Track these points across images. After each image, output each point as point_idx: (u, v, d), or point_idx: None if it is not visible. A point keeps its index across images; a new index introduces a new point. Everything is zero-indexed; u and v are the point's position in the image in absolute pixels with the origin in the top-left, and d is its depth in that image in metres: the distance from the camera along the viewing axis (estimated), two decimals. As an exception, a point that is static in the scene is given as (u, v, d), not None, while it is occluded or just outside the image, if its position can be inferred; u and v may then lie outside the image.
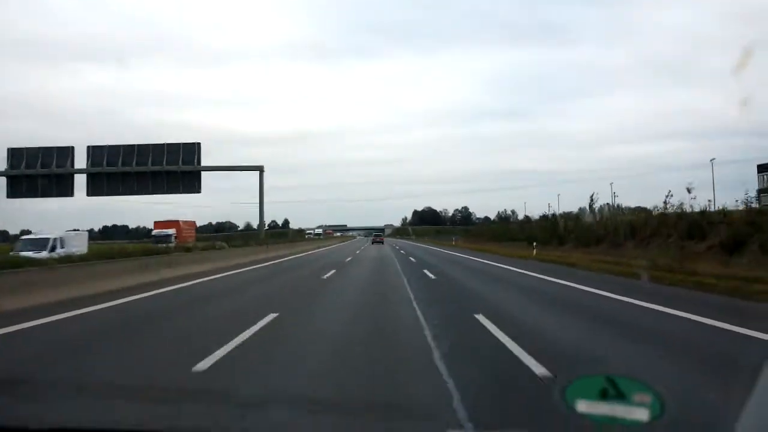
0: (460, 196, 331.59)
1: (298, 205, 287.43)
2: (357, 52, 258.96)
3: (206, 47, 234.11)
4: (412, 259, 29.24)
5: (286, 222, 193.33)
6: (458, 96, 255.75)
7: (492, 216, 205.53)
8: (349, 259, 30.23)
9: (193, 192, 37.28)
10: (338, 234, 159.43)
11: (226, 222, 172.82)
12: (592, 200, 36.81)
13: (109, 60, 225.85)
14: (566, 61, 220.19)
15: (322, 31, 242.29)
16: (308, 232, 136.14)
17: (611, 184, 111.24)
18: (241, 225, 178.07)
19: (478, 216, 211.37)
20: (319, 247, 53.95)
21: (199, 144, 36.94)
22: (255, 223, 61.78)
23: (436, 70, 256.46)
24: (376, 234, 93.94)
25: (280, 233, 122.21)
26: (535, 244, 33.54)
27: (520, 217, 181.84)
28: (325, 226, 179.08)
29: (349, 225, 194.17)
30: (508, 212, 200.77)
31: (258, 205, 40.49)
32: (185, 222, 64.04)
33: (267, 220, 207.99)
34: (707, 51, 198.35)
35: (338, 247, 56.32)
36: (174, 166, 36.11)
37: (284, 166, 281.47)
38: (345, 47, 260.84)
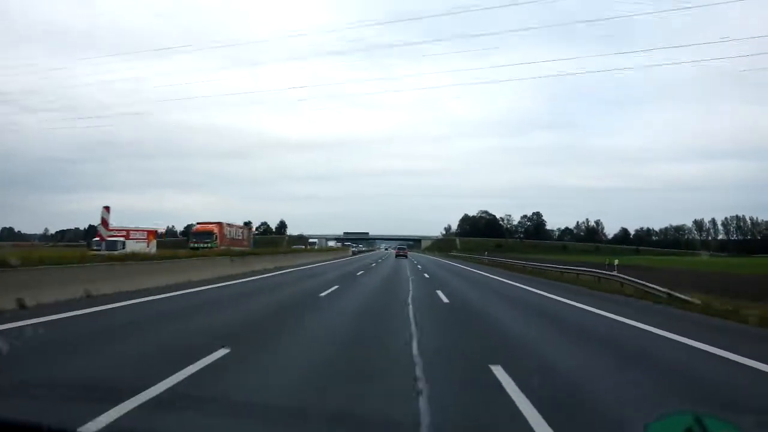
0: (521, 209, 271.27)
1: (321, 213, 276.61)
2: (402, 51, 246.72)
3: (244, 43, 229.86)
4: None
5: (282, 225, 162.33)
6: (510, 104, 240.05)
7: (570, 227, 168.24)
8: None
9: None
10: (340, 245, 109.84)
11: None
12: None
13: (138, 56, 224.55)
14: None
15: (367, 26, 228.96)
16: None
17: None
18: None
19: (548, 227, 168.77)
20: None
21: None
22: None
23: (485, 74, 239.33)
24: (400, 246, 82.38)
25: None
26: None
27: (608, 231, 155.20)
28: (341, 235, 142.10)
29: (372, 233, 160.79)
30: (591, 223, 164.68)
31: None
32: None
33: (273, 223, 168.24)
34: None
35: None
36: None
37: (316, 172, 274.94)
38: (390, 45, 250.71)
